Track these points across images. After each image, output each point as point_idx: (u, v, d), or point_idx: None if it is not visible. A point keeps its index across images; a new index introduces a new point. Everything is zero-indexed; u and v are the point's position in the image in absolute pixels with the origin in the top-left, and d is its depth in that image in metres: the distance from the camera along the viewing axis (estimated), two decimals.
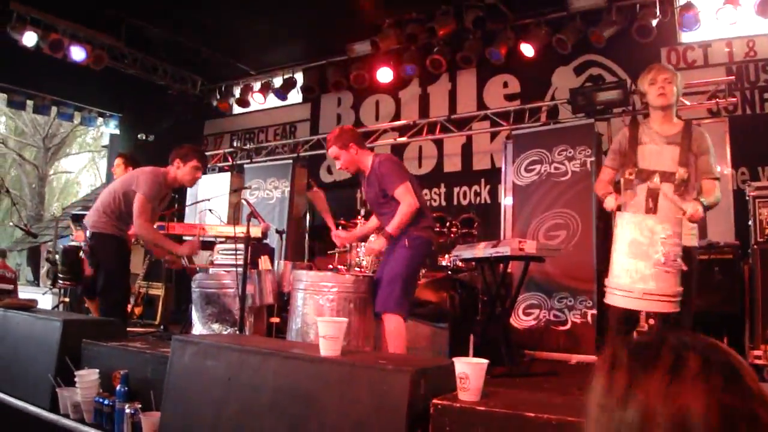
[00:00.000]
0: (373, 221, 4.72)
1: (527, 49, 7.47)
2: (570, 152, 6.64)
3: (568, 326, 6.26)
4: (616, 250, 3.29)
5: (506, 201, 7.13)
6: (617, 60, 7.41)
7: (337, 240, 4.71)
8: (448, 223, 6.63)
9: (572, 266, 6.27)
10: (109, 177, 8.11)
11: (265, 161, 9.65)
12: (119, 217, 4.69)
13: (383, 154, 4.57)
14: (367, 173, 4.40)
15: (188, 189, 9.36)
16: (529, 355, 6.14)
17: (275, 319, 5.08)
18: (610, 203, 3.71)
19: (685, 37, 7.02)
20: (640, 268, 3.15)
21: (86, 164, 26.91)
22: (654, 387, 0.83)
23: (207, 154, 9.96)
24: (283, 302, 5.24)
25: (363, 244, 5.45)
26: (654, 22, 6.73)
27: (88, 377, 3.60)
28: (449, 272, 6.16)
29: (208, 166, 9.99)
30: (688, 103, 6.37)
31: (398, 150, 8.76)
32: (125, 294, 4.98)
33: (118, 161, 6.44)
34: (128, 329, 4.73)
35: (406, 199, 4.17)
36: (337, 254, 6.33)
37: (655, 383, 0.84)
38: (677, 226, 3.20)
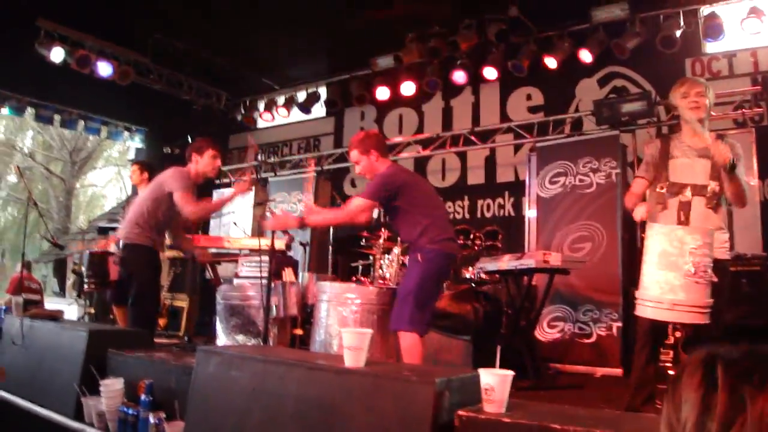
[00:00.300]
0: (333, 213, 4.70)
1: (550, 62, 7.45)
2: (595, 164, 6.60)
3: (594, 339, 6.20)
4: (646, 262, 3.25)
5: (530, 213, 7.09)
6: (641, 71, 7.37)
7: (241, 186, 4.79)
8: (472, 236, 6.61)
9: (597, 278, 6.21)
10: (135, 189, 8.20)
11: (289, 174, 9.71)
12: (152, 227, 4.72)
13: (393, 167, 4.32)
14: None
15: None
16: (553, 368, 6.09)
17: (298, 331, 5.08)
18: (639, 213, 3.67)
19: (710, 47, 6.95)
20: (669, 279, 3.11)
21: (112, 178, 27.24)
22: (765, 411, 0.78)
23: (231, 168, 10.07)
24: (306, 314, 5.25)
25: (387, 256, 5.45)
26: (678, 33, 6.68)
27: (113, 386, 3.62)
28: (473, 284, 6.12)
29: (234, 179, 10.07)
30: (713, 113, 6.29)
31: (421, 163, 8.76)
32: (156, 305, 5.02)
33: (133, 168, 6.56)
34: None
35: (349, 212, 4.13)
36: (360, 266, 6.34)
37: (766, 407, 0.78)
38: (708, 237, 3.16)
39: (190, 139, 9.95)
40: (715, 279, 3.12)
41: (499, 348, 4.74)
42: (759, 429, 0.77)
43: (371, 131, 4.57)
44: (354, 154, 4.29)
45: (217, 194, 9.65)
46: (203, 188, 5.22)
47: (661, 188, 3.62)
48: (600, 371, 5.96)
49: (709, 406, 0.82)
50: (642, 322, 3.40)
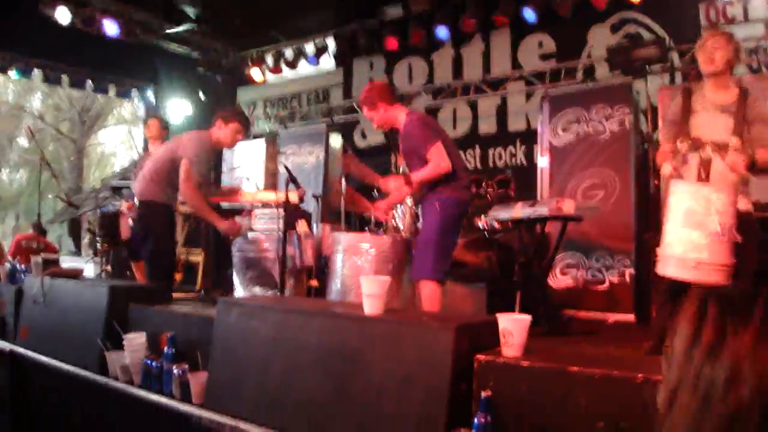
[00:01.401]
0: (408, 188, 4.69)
1: (562, 8, 7.31)
2: (608, 111, 6.52)
3: (606, 286, 6.22)
4: (670, 219, 3.20)
5: (542, 162, 7.04)
6: (654, 17, 7.20)
7: (380, 214, 4.66)
8: (484, 185, 6.60)
9: (610, 226, 6.20)
10: (146, 148, 8.21)
11: (299, 127, 9.68)
12: (168, 184, 4.75)
13: (414, 114, 4.42)
14: (401, 131, 4.31)
15: (223, 156, 9.48)
16: (566, 314, 6.12)
17: (314, 282, 5.13)
18: (666, 169, 3.58)
19: None
20: (694, 237, 3.07)
21: (123, 137, 27.24)
22: (744, 345, 0.82)
23: None
24: (321, 265, 5.29)
25: (400, 207, 5.46)
26: None
27: (135, 340, 3.69)
28: (486, 233, 6.14)
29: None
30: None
31: (432, 112, 8.70)
32: (172, 260, 5.08)
33: (153, 121, 6.51)
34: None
35: (438, 160, 4.05)
36: (373, 217, 6.36)
37: (745, 341, 0.82)
38: (733, 194, 3.12)
39: (202, 96, 9.97)
40: (739, 239, 3.08)
41: (519, 293, 4.80)
42: (736, 360, 0.81)
43: (375, 82, 4.55)
44: (365, 112, 4.35)
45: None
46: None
47: (681, 143, 3.56)
48: (612, 317, 5.99)
49: (697, 337, 0.86)
50: (663, 280, 3.37)
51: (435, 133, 4.20)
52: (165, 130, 6.36)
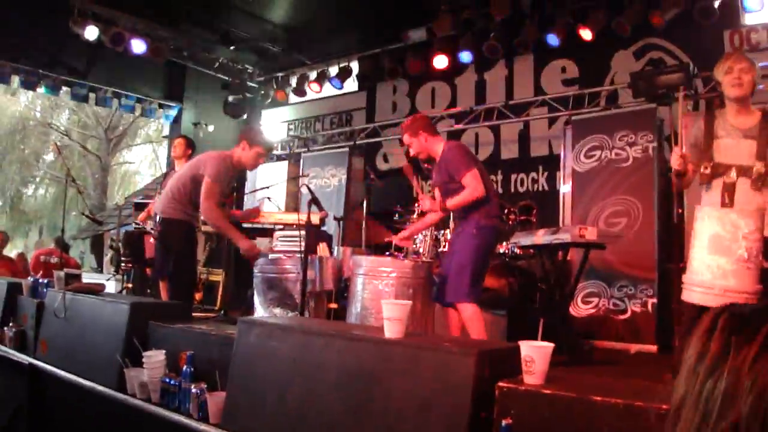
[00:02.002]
0: (431, 217, 4.81)
1: (585, 33, 7.32)
2: (631, 138, 6.51)
3: (628, 315, 6.16)
4: (696, 246, 3.17)
5: (565, 188, 7.03)
6: (678, 43, 7.18)
7: (402, 243, 4.89)
8: (506, 211, 6.57)
9: (633, 254, 6.15)
10: (170, 166, 8.29)
11: (322, 150, 9.75)
12: (189, 202, 4.79)
13: (453, 142, 4.72)
14: (437, 159, 4.51)
15: (247, 177, 9.54)
16: (588, 343, 6.06)
17: (333, 305, 5.12)
18: (674, 159, 3.47)
19: (749, 18, 6.74)
20: (721, 263, 3.03)
21: (148, 155, 27.58)
22: (746, 360, 0.81)
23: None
24: (341, 288, 5.29)
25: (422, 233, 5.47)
26: (716, 3, 6.49)
27: (155, 358, 3.69)
28: (507, 259, 6.12)
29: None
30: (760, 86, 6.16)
31: (454, 137, 8.69)
32: (194, 278, 5.10)
33: (178, 141, 6.60)
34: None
35: (471, 185, 4.24)
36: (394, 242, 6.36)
37: (747, 356, 0.81)
38: (759, 220, 3.09)
39: (222, 115, 10.05)
40: (766, 264, 3.04)
41: (542, 321, 4.77)
42: (737, 377, 0.81)
43: (418, 114, 4.97)
44: (405, 138, 4.57)
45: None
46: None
47: (705, 169, 3.53)
48: (635, 347, 5.92)
49: (704, 354, 0.86)
50: (689, 306, 3.31)
51: (472, 160, 4.41)
52: (190, 149, 6.44)
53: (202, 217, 5.05)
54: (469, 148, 4.69)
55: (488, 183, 4.39)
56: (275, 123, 11.10)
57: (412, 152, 4.63)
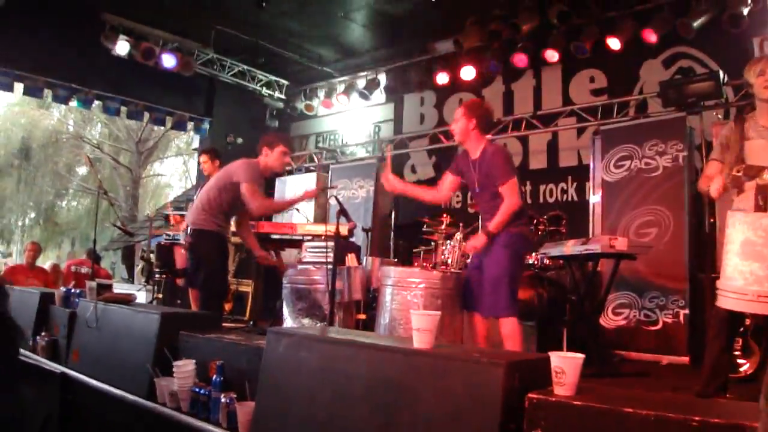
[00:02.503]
0: (431, 192, 4.68)
1: (614, 43, 7.27)
2: (661, 147, 6.45)
3: (660, 326, 6.08)
4: (729, 251, 3.13)
5: (594, 198, 6.97)
6: (708, 51, 7.10)
7: (387, 184, 4.54)
8: (535, 221, 6.53)
9: (664, 264, 6.08)
10: (200, 178, 8.37)
11: (350, 162, 9.82)
12: (220, 213, 4.82)
13: (497, 145, 4.46)
14: (473, 157, 4.32)
15: (275, 190, 9.61)
16: (618, 355, 6.00)
17: (362, 316, 5.13)
18: (714, 188, 3.45)
19: None
20: (754, 269, 2.99)
21: (178, 168, 27.93)
22: None
23: (294, 155, 10.22)
24: (369, 299, 5.30)
25: (449, 242, 5.45)
26: (745, 11, 6.41)
27: (185, 367, 3.71)
28: (536, 270, 6.08)
29: (295, 167, 10.23)
30: None
31: None
32: (224, 288, 5.13)
33: (204, 158, 6.72)
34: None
35: (511, 197, 4.11)
36: (422, 252, 6.35)
37: None
38: None
39: (255, 128, 10.15)
40: None
41: (565, 330, 4.73)
42: None
43: (486, 104, 4.59)
44: (458, 112, 4.34)
45: (280, 183, 9.84)
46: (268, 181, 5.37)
47: (737, 171, 3.47)
48: (666, 359, 5.84)
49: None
50: (720, 312, 3.28)
51: (513, 168, 4.29)
52: (217, 160, 6.54)
53: (232, 228, 5.10)
54: (510, 154, 4.50)
55: (521, 192, 4.36)
56: (304, 135, 11.19)
57: (453, 127, 4.38)
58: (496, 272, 4.10)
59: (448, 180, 4.53)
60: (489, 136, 8.14)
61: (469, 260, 5.59)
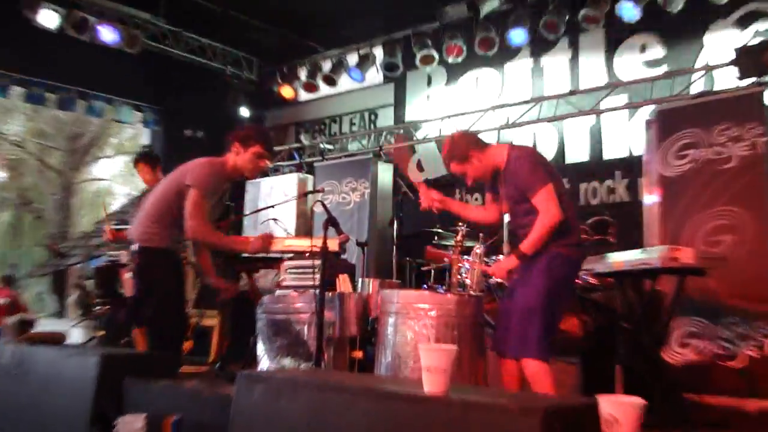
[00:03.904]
0: (477, 213, 4.83)
1: (672, 1, 7.29)
2: (735, 131, 6.44)
3: (742, 361, 6.04)
4: None
5: (650, 198, 6.97)
6: None
7: (425, 199, 4.65)
8: None
9: (744, 281, 6.05)
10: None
11: (340, 158, 9.82)
12: (174, 225, 4.77)
13: (521, 148, 4.56)
14: (502, 168, 4.37)
15: (246, 195, 9.61)
16: (688, 399, 5.96)
17: (358, 354, 5.11)
18: None
19: None
20: None
21: (122, 170, 27.84)
22: None
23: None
24: (367, 332, 5.27)
25: (467, 258, 5.43)
26: None
27: (132, 424, 3.69)
28: (579, 291, 6.06)
29: (271, 165, 10.20)
30: None
31: (505, 138, 8.69)
32: (181, 322, 5.08)
33: (140, 168, 6.69)
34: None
35: (548, 209, 4.09)
36: (433, 271, 6.33)
37: None
38: None
39: (216, 118, 10.14)
40: None
41: (618, 368, 4.70)
42: None
43: (455, 135, 4.64)
44: (454, 168, 4.48)
45: (252, 186, 9.84)
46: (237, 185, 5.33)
47: None
48: (753, 404, 5.79)
49: None
50: None
51: (546, 173, 4.24)
52: (158, 168, 6.52)
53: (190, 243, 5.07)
54: (541, 156, 4.52)
55: (566, 200, 4.26)
56: (282, 125, 11.19)
57: (469, 181, 4.53)
58: (529, 303, 4.09)
59: (488, 198, 4.70)
60: (508, 124, 8.20)
61: (491, 280, 5.60)
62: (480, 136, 4.66)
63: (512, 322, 4.16)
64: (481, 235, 5.42)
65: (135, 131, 21.20)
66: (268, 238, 4.91)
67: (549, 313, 4.10)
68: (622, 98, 7.89)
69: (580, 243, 4.39)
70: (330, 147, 10.36)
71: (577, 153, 8.50)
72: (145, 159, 6.84)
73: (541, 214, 4.11)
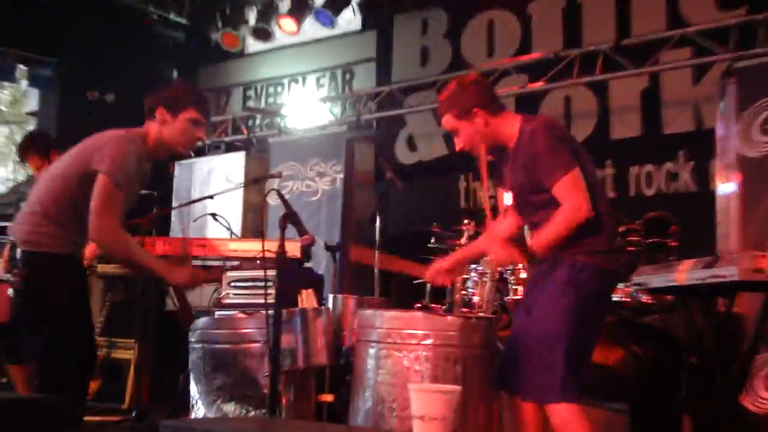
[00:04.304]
0: (504, 224, 4.70)
1: None
2: None
3: None
4: None
5: (725, 187, 6.99)
6: None
7: (436, 277, 4.55)
8: (622, 229, 6.54)
9: None
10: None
11: (303, 132, 9.80)
12: (73, 221, 4.72)
13: (538, 119, 4.34)
14: (511, 146, 4.30)
15: (175, 181, 9.58)
16: None
17: (327, 397, 5.11)
18: None
19: None
20: None
21: (1, 146, 27.77)
22: None
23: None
24: (338, 366, 5.29)
25: (475, 267, 5.46)
26: None
27: None
28: (627, 313, 6.08)
29: (209, 141, 10.19)
30: None
31: (529, 103, 8.72)
32: (84, 353, 5.04)
33: (29, 158, 6.64)
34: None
35: (571, 201, 3.99)
36: (429, 285, 6.34)
37: None
38: None
39: (131, 76, 10.10)
40: None
41: (684, 419, 4.73)
42: None
43: (468, 77, 4.52)
44: (447, 120, 4.35)
45: (182, 169, 9.81)
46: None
47: None
48: None
49: None
50: None
51: (570, 153, 4.13)
52: (50, 153, 6.46)
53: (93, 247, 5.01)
54: (564, 129, 4.46)
55: (599, 190, 4.23)
56: (223, 87, 11.17)
57: (458, 144, 4.39)
58: (548, 328, 4.01)
59: (505, 196, 4.68)
60: (536, 85, 8.23)
61: (506, 297, 5.61)
62: None
63: (526, 353, 4.10)
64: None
65: (17, 93, 21.14)
66: (197, 277, 4.84)
67: (576, 341, 4.02)
68: (686, 51, 7.91)
69: (612, 245, 4.25)
70: (288, 117, 10.34)
71: (626, 126, 8.56)
72: (36, 146, 6.75)
73: (563, 207, 4.00)
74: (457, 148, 4.43)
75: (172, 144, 4.77)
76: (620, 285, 6.01)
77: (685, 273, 5.01)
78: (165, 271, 4.71)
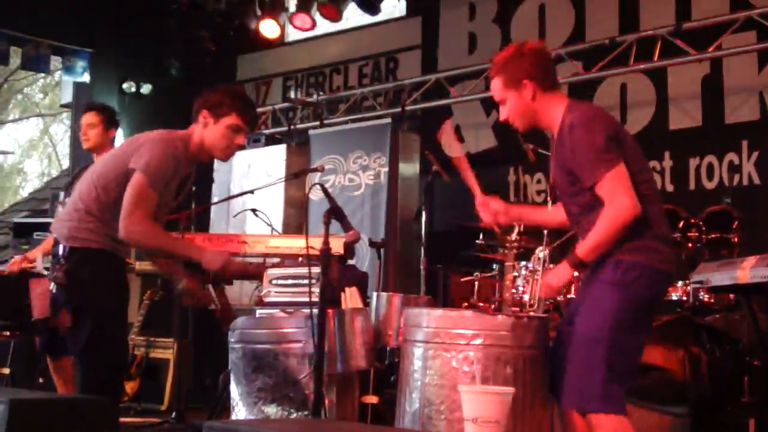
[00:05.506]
0: (546, 216, 4.71)
1: None
2: None
3: None
4: None
5: None
6: None
7: (486, 213, 4.57)
8: (681, 224, 6.51)
9: None
10: (78, 159, 8.41)
11: (346, 123, 9.87)
12: (115, 219, 4.77)
13: (580, 109, 4.22)
14: (555, 134, 4.24)
15: (215, 176, 9.64)
16: None
17: (371, 398, 5.13)
18: None
19: None
20: None
21: (35, 141, 27.96)
22: None
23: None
24: (383, 368, 5.30)
25: (525, 265, 5.46)
26: None
27: None
28: (686, 312, 6.06)
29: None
30: None
31: (583, 92, 8.69)
32: (123, 352, 5.10)
33: (89, 119, 6.58)
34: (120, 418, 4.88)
35: (616, 200, 3.89)
36: (477, 282, 6.34)
37: None
38: None
39: (168, 67, 10.15)
40: None
41: (751, 424, 4.71)
42: None
43: (529, 44, 4.33)
44: (495, 85, 4.28)
45: (222, 164, 9.86)
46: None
47: None
48: None
49: None
50: None
51: (613, 145, 4.02)
52: (113, 128, 6.48)
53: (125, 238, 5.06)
54: (612, 118, 4.26)
55: (650, 188, 4.13)
56: (262, 77, 11.19)
57: (503, 114, 4.31)
58: (590, 331, 3.97)
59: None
60: (590, 73, 8.20)
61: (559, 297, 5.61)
62: None
63: (569, 356, 4.05)
64: (545, 233, 5.44)
65: (52, 84, 21.27)
66: (227, 258, 4.87)
67: (619, 346, 3.94)
68: (750, 35, 7.87)
69: (665, 243, 4.13)
70: (331, 107, 10.38)
71: (685, 115, 8.51)
72: (97, 109, 6.70)
73: (606, 208, 3.90)
74: (501, 118, 4.36)
75: (211, 149, 4.85)
76: (679, 283, 6.01)
77: (748, 270, 4.98)
78: (198, 254, 4.78)
